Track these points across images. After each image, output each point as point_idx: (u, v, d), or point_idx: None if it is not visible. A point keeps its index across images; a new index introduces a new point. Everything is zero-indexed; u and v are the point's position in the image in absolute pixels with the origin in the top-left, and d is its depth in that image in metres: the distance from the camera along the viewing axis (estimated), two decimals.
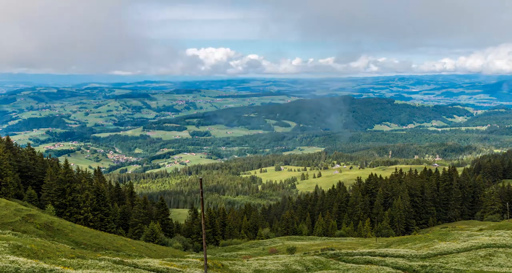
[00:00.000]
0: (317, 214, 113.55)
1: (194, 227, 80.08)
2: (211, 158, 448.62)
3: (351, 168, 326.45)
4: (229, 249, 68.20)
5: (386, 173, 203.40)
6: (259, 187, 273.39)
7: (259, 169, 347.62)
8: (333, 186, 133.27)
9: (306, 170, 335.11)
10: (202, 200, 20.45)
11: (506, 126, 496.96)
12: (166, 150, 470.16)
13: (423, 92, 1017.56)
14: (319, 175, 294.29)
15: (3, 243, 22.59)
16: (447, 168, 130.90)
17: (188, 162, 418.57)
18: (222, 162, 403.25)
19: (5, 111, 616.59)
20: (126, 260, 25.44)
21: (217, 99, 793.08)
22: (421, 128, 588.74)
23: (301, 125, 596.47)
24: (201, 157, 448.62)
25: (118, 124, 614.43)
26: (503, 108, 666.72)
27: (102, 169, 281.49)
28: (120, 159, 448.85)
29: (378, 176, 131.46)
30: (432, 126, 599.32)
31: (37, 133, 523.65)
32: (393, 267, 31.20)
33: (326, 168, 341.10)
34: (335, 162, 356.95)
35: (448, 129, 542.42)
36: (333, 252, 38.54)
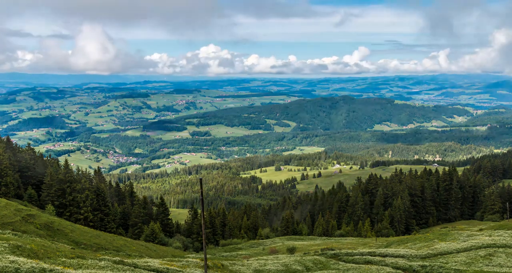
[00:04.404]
0: (317, 214, 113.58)
1: (194, 227, 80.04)
2: (211, 158, 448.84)
3: (351, 168, 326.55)
4: (229, 249, 68.17)
5: (386, 173, 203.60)
6: (259, 187, 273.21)
7: (259, 169, 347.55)
8: (333, 186, 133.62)
9: (306, 170, 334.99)
10: (202, 200, 20.44)
11: (506, 126, 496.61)
12: (166, 150, 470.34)
13: (423, 92, 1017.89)
14: (319, 175, 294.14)
15: (3, 243, 22.58)
16: (447, 168, 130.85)
17: (188, 162, 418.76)
18: (222, 162, 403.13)
19: (5, 111, 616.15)
20: (126, 260, 25.45)
21: (217, 99, 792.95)
22: (421, 128, 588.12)
23: (301, 125, 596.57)
24: (201, 157, 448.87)
25: (118, 124, 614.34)
26: (503, 108, 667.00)
27: (102, 169, 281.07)
28: (120, 159, 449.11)
29: (378, 176, 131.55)
30: (432, 126, 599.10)
31: (37, 133, 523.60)
32: (393, 267, 31.21)
33: (326, 168, 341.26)
34: (335, 162, 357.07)
35: (448, 129, 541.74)
36: (333, 252, 38.57)
